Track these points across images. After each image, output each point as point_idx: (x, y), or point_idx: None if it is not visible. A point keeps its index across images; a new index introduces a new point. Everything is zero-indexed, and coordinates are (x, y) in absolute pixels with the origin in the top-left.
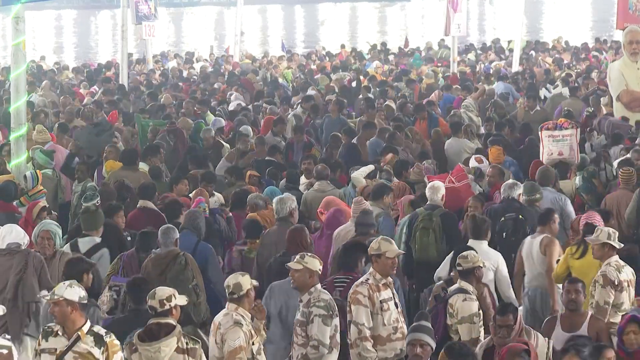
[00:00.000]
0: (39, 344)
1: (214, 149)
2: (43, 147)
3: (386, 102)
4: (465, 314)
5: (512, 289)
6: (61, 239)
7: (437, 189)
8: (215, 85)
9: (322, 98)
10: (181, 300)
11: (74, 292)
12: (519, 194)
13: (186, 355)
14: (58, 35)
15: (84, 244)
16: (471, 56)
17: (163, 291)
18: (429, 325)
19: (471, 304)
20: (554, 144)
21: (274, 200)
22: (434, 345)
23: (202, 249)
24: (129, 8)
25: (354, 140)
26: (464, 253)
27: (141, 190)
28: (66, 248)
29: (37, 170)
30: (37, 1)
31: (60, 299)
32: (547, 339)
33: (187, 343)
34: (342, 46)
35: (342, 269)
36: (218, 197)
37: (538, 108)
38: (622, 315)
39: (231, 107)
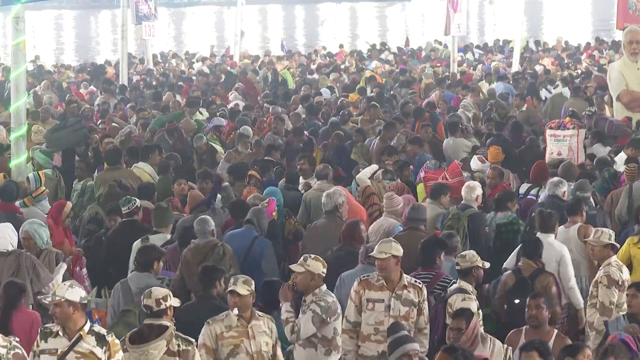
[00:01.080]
0: (37, 345)
1: (208, 153)
2: (42, 147)
3: (372, 103)
4: None
5: (574, 282)
6: (43, 237)
7: (472, 188)
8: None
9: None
10: (175, 302)
11: (75, 292)
12: (564, 192)
13: (177, 358)
14: (58, 35)
15: (156, 240)
16: (469, 56)
17: (159, 290)
18: (408, 332)
19: (470, 304)
20: (554, 144)
21: (324, 194)
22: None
23: (259, 242)
24: (129, 8)
25: (378, 140)
26: (463, 252)
27: (140, 190)
28: (137, 244)
29: (40, 172)
30: (37, 1)
31: (62, 300)
32: (504, 345)
33: (178, 345)
34: (341, 46)
35: (422, 265)
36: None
37: (524, 108)
38: (609, 336)
39: (231, 106)
